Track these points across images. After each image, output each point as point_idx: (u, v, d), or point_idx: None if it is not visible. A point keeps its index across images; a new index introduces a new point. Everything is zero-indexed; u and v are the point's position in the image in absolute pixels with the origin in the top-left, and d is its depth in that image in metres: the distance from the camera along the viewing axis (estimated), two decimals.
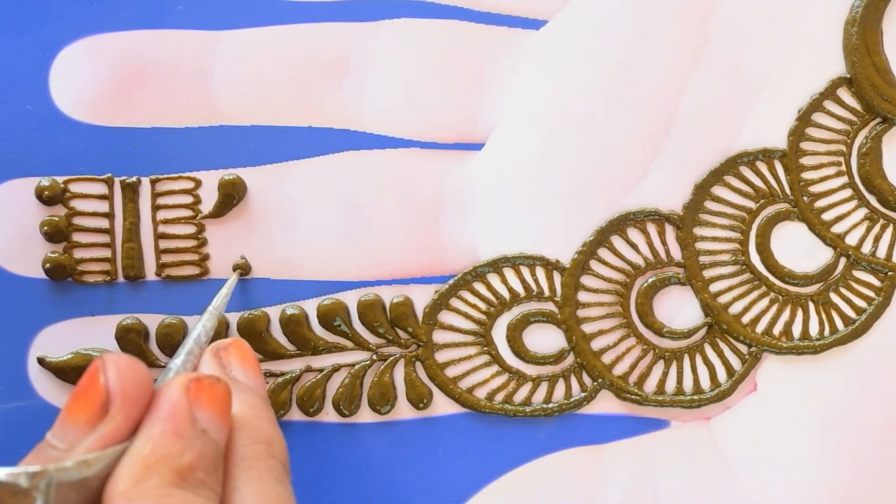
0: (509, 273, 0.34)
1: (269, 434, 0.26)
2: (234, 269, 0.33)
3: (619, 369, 0.34)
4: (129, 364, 0.25)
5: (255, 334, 0.33)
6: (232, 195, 0.33)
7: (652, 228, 0.33)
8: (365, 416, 0.34)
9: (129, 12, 0.33)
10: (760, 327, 0.33)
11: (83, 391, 0.24)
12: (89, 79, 0.33)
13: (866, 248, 0.33)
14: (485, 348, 0.34)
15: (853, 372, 0.33)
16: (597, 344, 0.34)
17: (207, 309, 0.30)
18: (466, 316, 0.34)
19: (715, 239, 0.33)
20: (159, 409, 0.24)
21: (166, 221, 0.33)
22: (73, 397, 0.24)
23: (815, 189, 0.33)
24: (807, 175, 0.33)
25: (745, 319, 0.33)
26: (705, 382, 0.34)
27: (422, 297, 0.33)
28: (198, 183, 0.33)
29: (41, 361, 0.33)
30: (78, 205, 0.33)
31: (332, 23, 0.33)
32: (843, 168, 0.33)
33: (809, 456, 0.33)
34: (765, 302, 0.33)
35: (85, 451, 0.23)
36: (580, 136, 0.33)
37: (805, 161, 0.33)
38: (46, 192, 0.33)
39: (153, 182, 0.33)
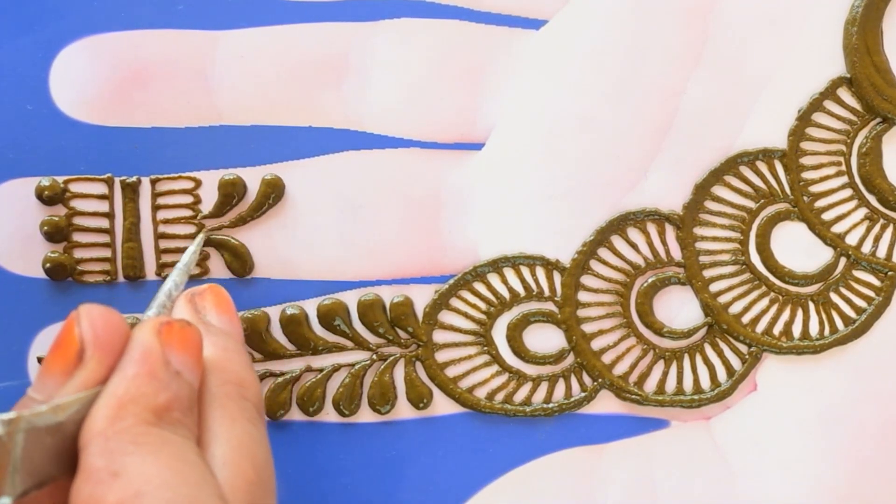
0: (509, 273, 0.34)
1: (240, 375, 0.26)
2: (203, 231, 0.33)
3: (619, 369, 0.34)
4: (103, 312, 0.25)
5: (255, 334, 0.33)
6: (232, 195, 0.33)
7: (652, 228, 0.33)
8: (365, 416, 0.34)
9: (129, 12, 0.33)
10: (760, 327, 0.33)
11: (59, 342, 0.24)
12: (90, 79, 0.33)
13: (866, 248, 0.33)
14: (485, 348, 0.34)
15: (853, 372, 0.33)
16: (597, 344, 0.34)
17: (176, 266, 0.30)
18: (466, 316, 0.34)
19: (715, 239, 0.33)
20: (131, 352, 0.24)
21: (166, 221, 0.33)
22: (50, 350, 0.24)
23: (815, 189, 0.33)
24: (807, 175, 0.33)
25: (745, 319, 0.33)
26: (705, 382, 0.34)
27: (422, 297, 0.33)
28: (198, 183, 0.33)
29: (41, 361, 0.33)
30: (78, 205, 0.33)
31: (332, 23, 0.33)
32: (844, 168, 0.33)
33: (809, 456, 0.33)
34: (765, 302, 0.33)
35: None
36: (580, 136, 0.33)
37: (805, 161, 0.33)
38: (46, 192, 0.33)
39: (153, 182, 0.33)
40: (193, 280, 0.33)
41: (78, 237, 0.33)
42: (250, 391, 0.26)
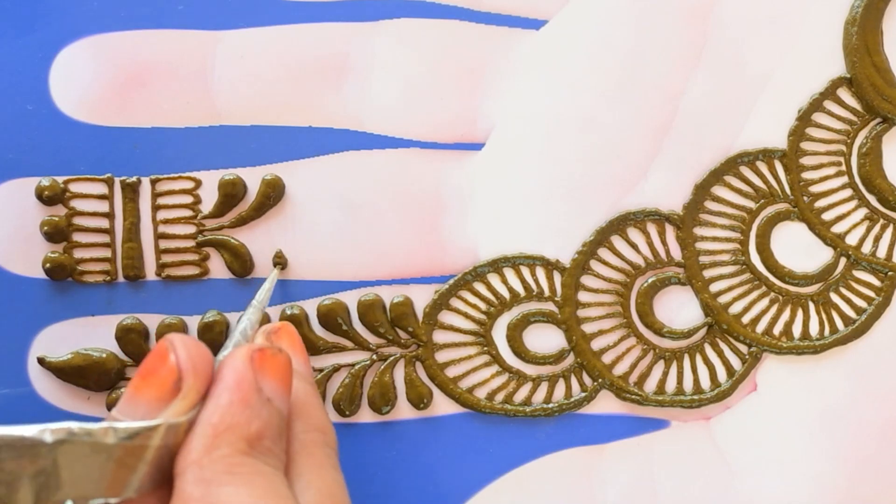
0: (509, 273, 0.34)
1: (322, 421, 0.27)
2: (275, 265, 0.33)
3: (620, 369, 0.34)
4: (196, 343, 0.25)
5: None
6: (232, 195, 0.33)
7: (652, 228, 0.33)
8: (365, 416, 0.34)
9: (129, 12, 0.33)
10: (760, 327, 0.33)
11: (152, 369, 0.24)
12: (89, 79, 0.33)
13: (866, 248, 0.33)
14: (485, 348, 0.34)
15: (853, 372, 0.33)
16: (597, 344, 0.34)
17: (251, 303, 0.30)
18: (466, 316, 0.34)
19: (715, 239, 0.33)
20: (225, 379, 0.25)
21: (166, 221, 0.33)
22: (142, 375, 0.24)
23: (815, 189, 0.33)
24: (807, 175, 0.33)
25: (745, 319, 0.33)
26: (705, 382, 0.34)
27: (422, 297, 0.33)
28: (198, 183, 0.33)
29: (41, 361, 0.33)
30: (78, 205, 0.33)
31: (332, 23, 0.33)
32: (844, 168, 0.33)
33: (809, 456, 0.33)
34: (765, 302, 0.33)
35: None
36: (580, 136, 0.33)
37: (805, 161, 0.33)
38: (46, 192, 0.33)
39: (153, 182, 0.33)
40: (193, 280, 0.33)
41: (78, 237, 0.33)
42: (331, 437, 0.27)
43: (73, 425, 0.22)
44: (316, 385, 0.29)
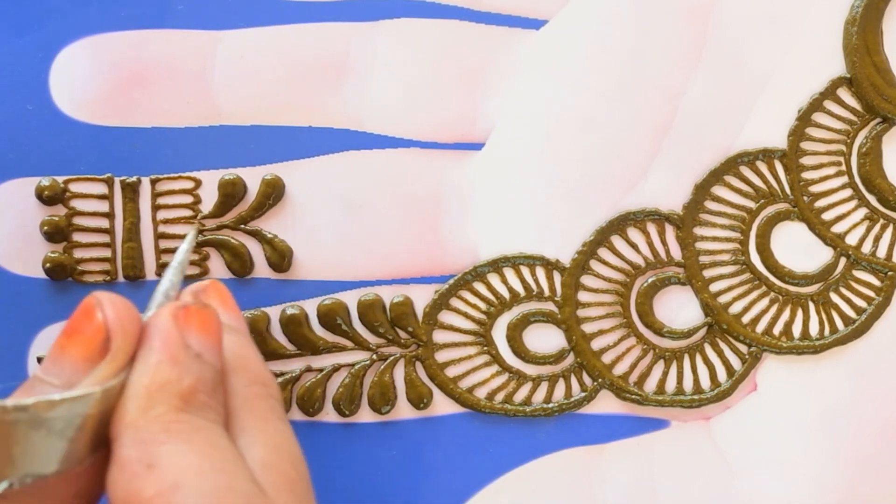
0: (509, 273, 0.34)
1: (262, 373, 0.26)
2: (195, 227, 0.33)
3: (619, 369, 0.34)
4: (124, 301, 0.24)
5: (255, 334, 0.33)
6: (232, 195, 0.33)
7: (652, 228, 0.33)
8: (365, 416, 0.34)
9: (129, 12, 0.33)
10: (760, 327, 0.33)
11: (78, 327, 0.24)
12: (89, 79, 0.33)
13: (866, 248, 0.33)
14: (485, 348, 0.34)
15: (853, 372, 0.33)
16: (597, 344, 0.34)
17: (171, 264, 0.29)
18: (466, 316, 0.34)
19: (715, 239, 0.33)
20: (151, 339, 0.24)
21: (166, 221, 0.33)
22: (67, 333, 0.24)
23: (815, 189, 0.33)
24: (807, 175, 0.33)
25: (745, 319, 0.33)
26: (705, 382, 0.34)
27: (422, 297, 0.33)
28: (198, 183, 0.33)
29: (41, 361, 0.33)
30: (78, 205, 0.33)
31: (332, 23, 0.33)
32: (844, 168, 0.33)
33: (809, 456, 0.33)
34: (765, 302, 0.33)
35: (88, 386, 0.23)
36: (580, 136, 0.33)
37: (805, 161, 0.33)
38: (46, 192, 0.33)
39: (153, 182, 0.33)
40: (193, 280, 0.33)
41: (78, 237, 0.33)
42: (273, 388, 0.26)
43: (7, 403, 0.22)
44: (251, 338, 0.28)
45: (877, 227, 0.33)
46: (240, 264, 0.33)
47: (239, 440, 0.24)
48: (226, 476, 0.22)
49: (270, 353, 0.33)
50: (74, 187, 0.33)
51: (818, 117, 0.33)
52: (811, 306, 0.33)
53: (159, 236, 0.33)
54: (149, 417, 0.23)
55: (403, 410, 0.34)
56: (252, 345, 0.27)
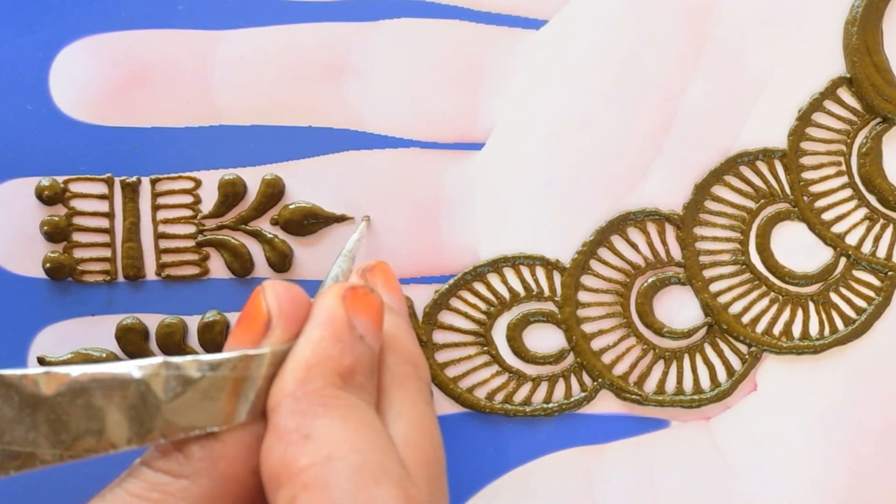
0: (509, 273, 0.34)
1: (415, 355, 0.27)
2: (364, 219, 0.33)
3: (619, 369, 0.34)
4: (286, 285, 0.26)
5: None
6: (232, 195, 0.33)
7: (652, 228, 0.33)
8: None
9: (129, 12, 0.33)
10: (760, 327, 0.33)
11: (246, 316, 0.25)
12: (89, 79, 0.33)
13: (866, 248, 0.33)
14: (485, 348, 0.34)
15: (853, 372, 0.33)
16: (597, 344, 0.34)
17: (341, 252, 0.30)
18: (466, 316, 0.34)
19: (715, 239, 0.33)
20: (317, 316, 0.25)
21: (166, 221, 0.33)
22: (238, 323, 0.25)
23: (815, 189, 0.33)
24: (807, 175, 0.33)
25: (745, 319, 0.33)
26: (705, 382, 0.34)
27: (422, 297, 0.33)
28: (198, 183, 0.33)
29: (41, 361, 0.33)
30: (78, 204, 0.33)
31: (332, 23, 0.33)
32: (844, 168, 0.33)
33: (809, 456, 0.33)
34: (765, 302, 0.33)
35: None
36: (580, 136, 0.33)
37: (805, 161, 0.33)
38: (46, 192, 0.33)
39: (153, 182, 0.33)
40: (193, 280, 0.33)
41: (78, 237, 0.33)
42: (423, 371, 0.27)
43: (165, 359, 0.23)
44: (409, 320, 0.29)
45: (877, 227, 0.33)
46: (240, 264, 0.33)
47: (386, 415, 0.25)
48: (378, 455, 0.23)
49: None
50: (74, 187, 0.33)
51: (818, 117, 0.33)
52: (811, 306, 0.33)
53: (159, 236, 0.33)
54: (307, 390, 0.24)
55: None
56: (409, 326, 0.28)
